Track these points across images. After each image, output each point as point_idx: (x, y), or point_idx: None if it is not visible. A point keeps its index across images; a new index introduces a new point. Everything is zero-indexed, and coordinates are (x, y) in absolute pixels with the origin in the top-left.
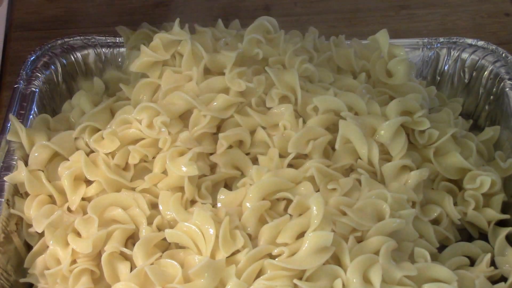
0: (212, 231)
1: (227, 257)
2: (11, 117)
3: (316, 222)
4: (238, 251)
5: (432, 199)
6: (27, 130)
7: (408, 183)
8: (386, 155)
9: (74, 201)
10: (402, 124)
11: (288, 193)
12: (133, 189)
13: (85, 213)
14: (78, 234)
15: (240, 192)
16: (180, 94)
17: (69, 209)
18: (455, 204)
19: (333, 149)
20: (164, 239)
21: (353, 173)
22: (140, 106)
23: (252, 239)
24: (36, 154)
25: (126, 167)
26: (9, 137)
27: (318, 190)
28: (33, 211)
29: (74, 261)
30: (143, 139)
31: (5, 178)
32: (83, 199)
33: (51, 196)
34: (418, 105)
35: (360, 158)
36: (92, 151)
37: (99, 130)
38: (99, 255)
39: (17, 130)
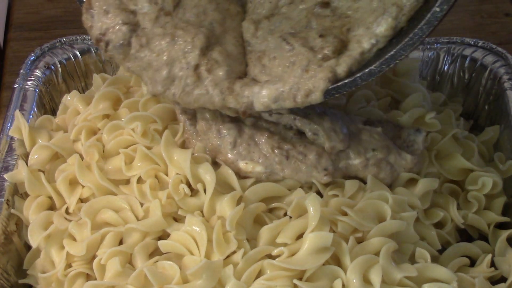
0: (204, 234)
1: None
2: (17, 113)
3: (313, 223)
4: (234, 252)
5: (436, 203)
6: (30, 128)
7: (416, 191)
8: None
9: (71, 203)
10: None
11: (283, 204)
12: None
13: None
14: (75, 238)
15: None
16: (166, 105)
17: (68, 211)
18: (458, 207)
19: None
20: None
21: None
22: (132, 115)
23: (248, 241)
24: (36, 156)
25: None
26: (11, 132)
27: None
28: (32, 215)
29: (69, 265)
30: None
31: (5, 176)
32: (81, 200)
33: (50, 198)
34: (424, 110)
35: None
36: None
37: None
38: (94, 258)
39: (20, 127)
